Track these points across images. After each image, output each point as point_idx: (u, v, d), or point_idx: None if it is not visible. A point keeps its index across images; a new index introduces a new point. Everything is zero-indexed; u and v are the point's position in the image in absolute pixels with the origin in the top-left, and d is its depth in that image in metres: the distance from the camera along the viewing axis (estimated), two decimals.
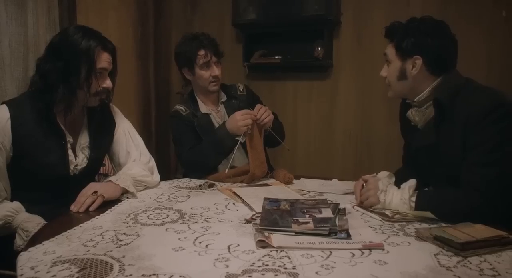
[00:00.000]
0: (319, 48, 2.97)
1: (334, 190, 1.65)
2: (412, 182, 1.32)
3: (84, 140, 1.58)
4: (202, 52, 1.92)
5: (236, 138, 1.77)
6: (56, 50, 1.42)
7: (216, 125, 1.95)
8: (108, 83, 1.50)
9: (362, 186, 1.44)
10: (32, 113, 1.44)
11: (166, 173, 2.39)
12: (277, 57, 3.07)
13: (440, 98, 1.35)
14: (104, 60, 1.47)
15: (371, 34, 2.92)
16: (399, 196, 1.32)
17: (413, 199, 1.30)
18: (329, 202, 1.33)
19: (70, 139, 1.52)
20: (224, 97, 2.07)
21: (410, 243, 1.09)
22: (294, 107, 3.20)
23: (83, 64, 1.41)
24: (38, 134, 1.44)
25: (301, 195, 1.57)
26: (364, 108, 3.02)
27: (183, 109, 1.97)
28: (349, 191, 1.60)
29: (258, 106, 1.81)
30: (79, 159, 1.55)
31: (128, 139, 1.69)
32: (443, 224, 1.20)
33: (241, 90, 2.10)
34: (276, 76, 3.22)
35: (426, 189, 1.36)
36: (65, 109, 1.47)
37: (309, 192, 1.63)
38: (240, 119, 1.75)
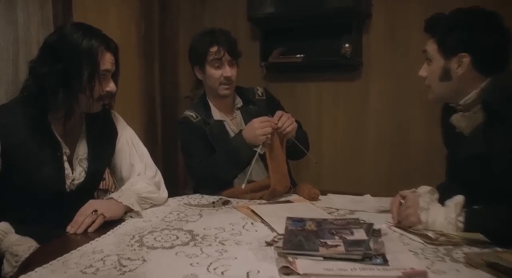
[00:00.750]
0: (346, 45, 2.96)
1: (367, 207, 1.63)
2: (458, 199, 1.30)
3: (82, 151, 1.59)
4: (214, 48, 1.94)
5: (254, 149, 1.77)
6: (53, 51, 1.44)
7: (231, 134, 1.97)
8: (111, 86, 1.53)
9: (400, 203, 1.42)
10: (24, 121, 1.45)
11: (174, 188, 2.39)
12: (298, 55, 3.07)
13: (490, 102, 1.33)
14: (107, 61, 1.49)
15: (407, 28, 2.90)
16: (444, 215, 1.29)
17: (461, 218, 1.27)
18: (361, 221, 1.32)
19: (66, 150, 1.54)
20: (240, 103, 2.08)
21: (458, 271, 1.07)
22: (319, 113, 3.20)
23: (85, 66, 1.44)
24: (31, 144, 1.45)
25: (328, 213, 1.56)
26: (399, 113, 2.99)
27: (194, 115, 1.99)
28: (384, 209, 1.58)
29: (279, 113, 1.81)
30: (76, 173, 1.56)
31: (131, 150, 1.71)
32: (498, 249, 1.18)
33: (260, 94, 2.12)
34: (298, 78, 3.22)
35: (476, 206, 1.33)
36: (65, 117, 1.49)
37: (338, 210, 1.61)
38: (258, 128, 1.75)
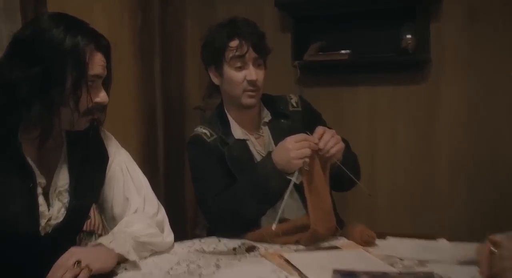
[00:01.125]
0: (408, 36, 2.96)
1: (443, 256, 1.60)
2: None
3: (62, 181, 1.60)
4: (235, 43, 1.96)
5: (288, 177, 1.77)
6: (26, 50, 1.45)
7: (257, 157, 1.99)
8: (103, 96, 1.54)
9: (491, 252, 1.39)
10: None
11: (181, 229, 2.40)
12: (343, 51, 3.09)
13: None
14: (97, 63, 1.50)
15: (494, 12, 2.88)
16: None
17: None
18: (437, 277, 1.29)
19: (41, 179, 1.55)
20: (268, 116, 2.09)
21: None
22: (372, 127, 3.20)
23: (69, 71, 1.44)
24: None
25: (389, 264, 1.53)
26: (484, 127, 2.97)
27: (207, 133, 2.01)
28: (467, 259, 1.54)
29: (320, 129, 1.81)
30: (53, 210, 1.56)
31: (126, 179, 1.72)
32: None
33: (294, 104, 2.13)
34: (343, 81, 3.23)
35: None
36: (41, 136, 1.49)
37: (402, 259, 1.58)
38: (293, 149, 1.75)
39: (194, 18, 3.48)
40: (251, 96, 2.00)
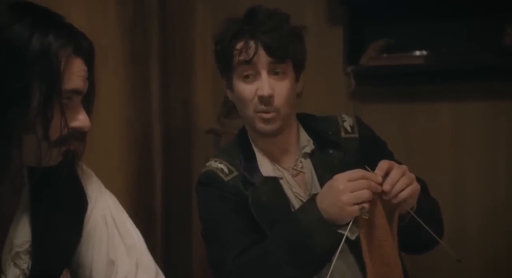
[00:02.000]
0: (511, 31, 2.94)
1: None
2: None
3: (20, 238, 1.58)
4: (240, 43, 1.97)
5: (339, 231, 1.76)
6: None
7: (295, 203, 1.99)
8: (82, 119, 1.51)
9: None
10: None
11: None
12: (417, 52, 3.08)
13: None
14: (76, 74, 1.48)
15: None
16: None
17: None
18: None
19: None
20: (310, 145, 2.09)
21: None
22: (458, 159, 3.17)
23: (37, 83, 1.42)
24: None
25: None
26: None
27: (225, 169, 2.03)
28: None
29: (385, 163, 1.78)
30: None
31: (112, 235, 1.70)
32: None
33: (349, 129, 2.13)
34: (417, 94, 3.21)
35: None
36: None
37: None
38: (347, 191, 1.73)
39: (206, 8, 3.52)
40: (265, 121, 1.98)
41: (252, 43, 1.93)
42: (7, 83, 1.40)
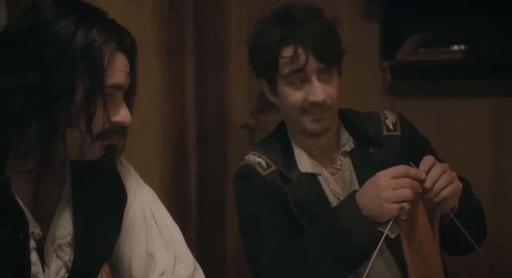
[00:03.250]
0: None
1: None
2: None
3: (63, 230, 1.59)
4: (289, 51, 1.94)
5: (379, 229, 1.75)
6: (21, 49, 1.45)
7: (333, 200, 1.99)
8: (124, 114, 1.53)
9: None
10: None
11: None
12: (456, 46, 3.05)
13: None
14: (119, 69, 1.50)
15: None
16: None
17: None
18: None
19: (36, 229, 1.54)
20: (350, 143, 2.09)
21: None
22: (497, 158, 3.13)
23: (81, 78, 1.44)
24: None
25: None
26: None
27: (263, 163, 2.03)
28: None
29: (429, 159, 1.77)
30: (51, 271, 1.56)
31: (151, 229, 1.71)
32: None
33: (391, 127, 2.12)
34: (455, 90, 3.19)
35: None
36: (38, 169, 1.49)
37: None
38: (388, 188, 1.72)
39: (241, 4, 3.50)
40: (316, 120, 1.98)
41: (301, 50, 1.91)
42: (53, 78, 1.41)
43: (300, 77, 1.94)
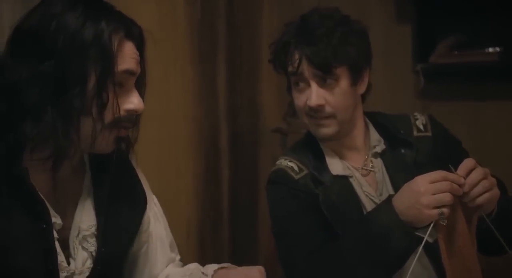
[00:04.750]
0: None
1: None
2: None
3: (86, 221, 1.61)
4: (288, 55, 2.00)
5: (417, 233, 1.74)
6: (33, 41, 1.46)
7: (366, 202, 1.99)
8: (136, 102, 1.54)
9: None
10: None
11: None
12: (491, 49, 3.00)
13: None
14: (129, 55, 1.51)
15: None
16: None
17: None
18: None
19: (57, 219, 1.54)
20: (381, 144, 2.09)
21: None
22: None
23: (92, 66, 1.46)
24: None
25: None
26: None
27: (295, 167, 2.02)
28: None
29: (469, 162, 1.74)
30: (77, 262, 1.58)
31: (163, 236, 1.77)
32: None
33: (421, 128, 2.11)
34: (490, 92, 3.12)
35: None
36: (55, 158, 1.50)
37: None
38: (427, 193, 1.70)
39: (273, 9, 3.47)
40: (319, 126, 2.00)
41: (296, 55, 1.96)
42: (66, 67, 1.44)
43: (303, 82, 1.97)
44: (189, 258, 1.90)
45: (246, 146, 3.41)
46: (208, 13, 3.22)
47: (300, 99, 1.99)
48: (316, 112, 1.96)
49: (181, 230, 2.94)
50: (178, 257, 1.83)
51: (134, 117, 1.56)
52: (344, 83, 1.97)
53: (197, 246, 3.10)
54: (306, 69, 1.95)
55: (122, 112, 1.51)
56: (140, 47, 1.56)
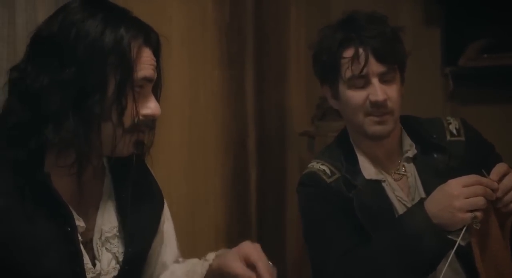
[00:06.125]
0: None
1: None
2: None
3: (108, 223, 1.62)
4: (350, 51, 1.93)
5: (449, 237, 1.73)
6: (54, 49, 1.47)
7: (398, 206, 1.97)
8: (154, 107, 1.55)
9: None
10: (1, 175, 1.48)
11: None
12: None
13: None
14: (147, 62, 1.52)
15: None
16: None
17: None
18: None
19: (80, 222, 1.55)
20: (413, 148, 2.05)
21: None
22: None
23: (113, 72, 1.46)
24: (15, 217, 1.46)
25: None
26: None
27: (327, 170, 2.01)
28: None
29: (502, 167, 1.73)
30: (102, 264, 1.59)
31: (170, 238, 1.79)
32: None
33: (454, 132, 2.08)
34: None
35: None
36: (77, 163, 1.50)
37: None
38: (460, 197, 1.70)
39: (300, 12, 3.45)
40: (379, 123, 1.95)
41: (361, 50, 1.90)
42: (86, 73, 1.45)
43: (362, 83, 1.92)
44: None
45: (273, 149, 3.42)
46: (236, 17, 3.23)
47: (359, 97, 1.93)
48: (379, 108, 1.92)
49: (209, 231, 2.97)
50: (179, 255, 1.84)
51: (151, 121, 1.58)
52: (397, 81, 1.96)
53: (225, 247, 3.06)
54: (372, 65, 1.91)
55: (140, 117, 1.53)
56: (157, 53, 1.58)
